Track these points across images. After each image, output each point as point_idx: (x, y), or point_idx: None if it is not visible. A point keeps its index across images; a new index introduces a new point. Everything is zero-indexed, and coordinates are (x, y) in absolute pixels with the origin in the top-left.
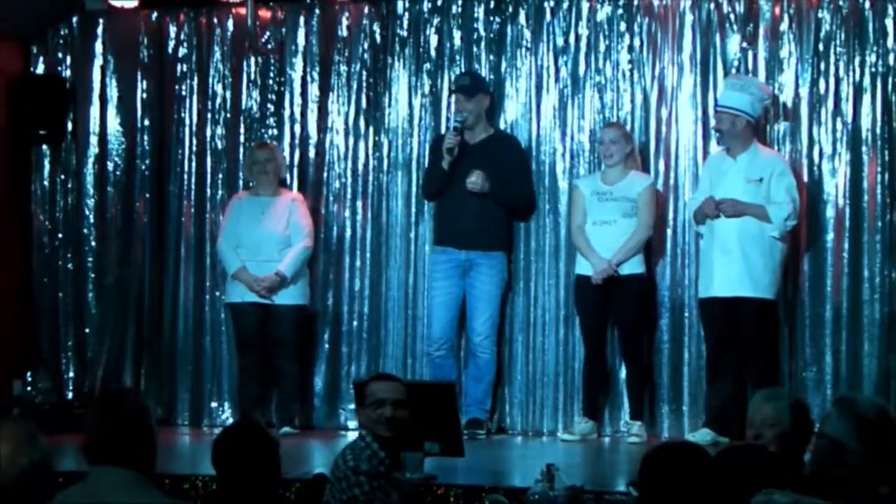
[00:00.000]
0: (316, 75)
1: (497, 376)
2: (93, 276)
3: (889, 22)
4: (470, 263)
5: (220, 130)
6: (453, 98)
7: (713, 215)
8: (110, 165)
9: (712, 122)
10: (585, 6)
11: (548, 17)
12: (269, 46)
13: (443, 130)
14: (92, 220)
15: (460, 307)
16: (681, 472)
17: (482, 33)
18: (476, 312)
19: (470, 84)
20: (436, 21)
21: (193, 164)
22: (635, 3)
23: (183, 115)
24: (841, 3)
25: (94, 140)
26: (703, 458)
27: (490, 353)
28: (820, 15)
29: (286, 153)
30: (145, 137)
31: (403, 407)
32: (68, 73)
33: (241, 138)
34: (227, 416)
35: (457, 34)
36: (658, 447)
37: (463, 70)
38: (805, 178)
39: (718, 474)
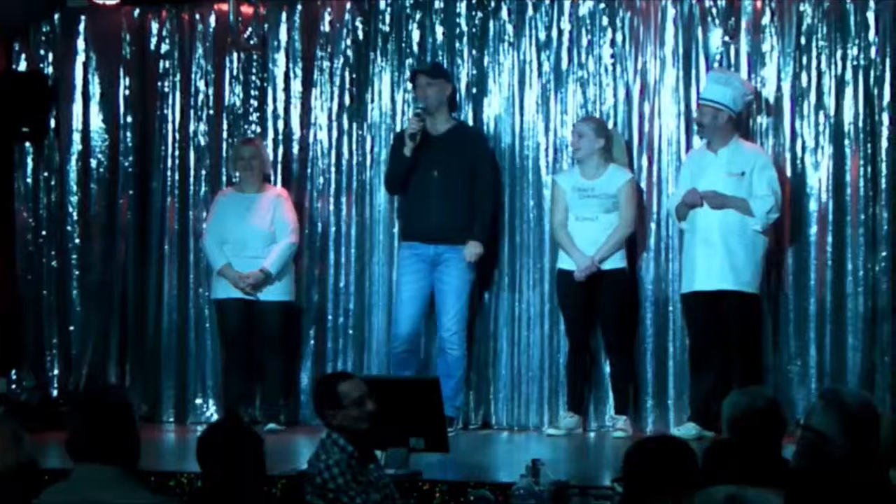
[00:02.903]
0: (299, 71)
1: (480, 372)
2: (77, 273)
3: (870, 15)
4: (438, 258)
5: (203, 127)
6: (415, 83)
7: (698, 204)
8: (93, 162)
9: (695, 114)
10: (568, 1)
11: (530, 11)
12: (252, 42)
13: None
14: (75, 218)
15: (428, 303)
16: (664, 465)
17: (464, 28)
18: (444, 307)
19: (433, 67)
20: (418, 16)
21: (176, 160)
22: None
23: (166, 111)
24: None
25: (76, 137)
26: (686, 452)
27: (459, 350)
28: (801, 9)
29: (269, 149)
30: (128, 134)
31: (372, 398)
32: (50, 69)
33: (224, 134)
34: (211, 412)
35: (439, 29)
36: (641, 442)
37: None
38: (788, 172)
39: (703, 468)
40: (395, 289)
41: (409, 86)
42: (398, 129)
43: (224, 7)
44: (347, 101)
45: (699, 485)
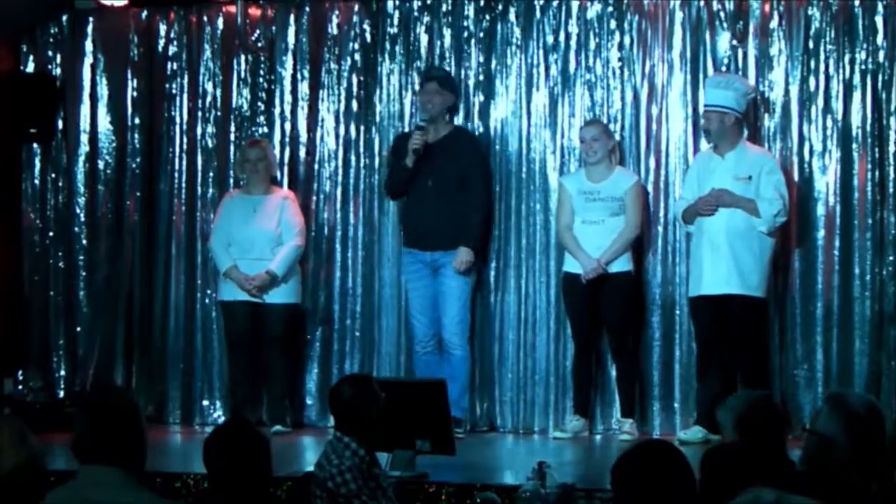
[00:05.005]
0: (306, 73)
1: (486, 374)
2: (83, 274)
3: (878, 19)
4: (437, 263)
5: (210, 129)
6: (423, 87)
7: (708, 213)
8: (101, 164)
9: (702, 122)
10: (575, 4)
11: (538, 14)
12: (259, 44)
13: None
14: (83, 219)
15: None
16: (653, 473)
17: (472, 31)
18: (445, 310)
19: (445, 76)
20: (426, 19)
21: (184, 162)
22: (625, 0)
23: (173, 113)
24: (830, 0)
25: (84, 138)
26: (676, 458)
27: (462, 350)
28: (810, 12)
29: (276, 151)
30: (136, 136)
31: None
32: (58, 71)
33: (232, 136)
34: (218, 414)
35: (447, 32)
36: (628, 451)
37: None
38: (795, 176)
39: (707, 473)
40: (405, 293)
41: (417, 88)
42: (407, 131)
43: (232, 9)
44: (355, 104)
45: (695, 489)
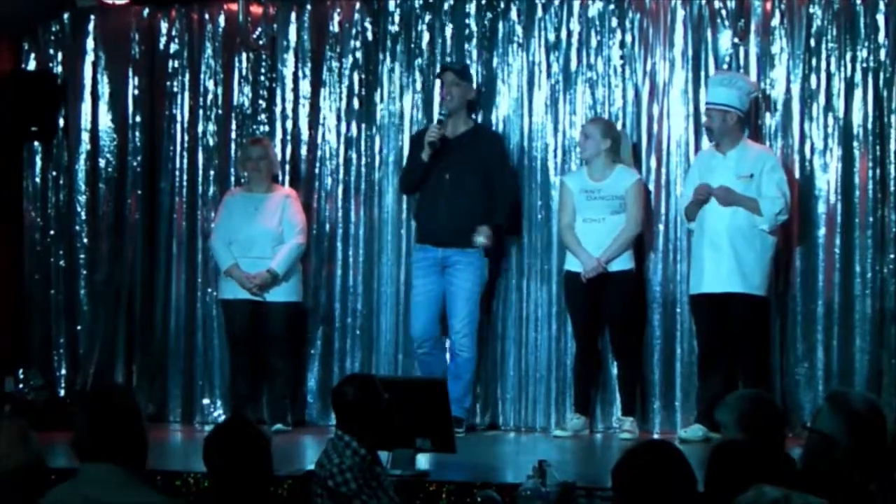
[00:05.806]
0: (307, 71)
1: (487, 373)
2: (84, 272)
3: (880, 17)
4: (447, 261)
5: (211, 127)
6: (441, 80)
7: (703, 199)
8: (102, 162)
9: (703, 120)
10: (577, 2)
11: (539, 12)
12: (261, 42)
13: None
14: (84, 217)
15: (442, 304)
16: (655, 474)
17: (474, 29)
18: (454, 310)
19: (462, 67)
20: (427, 17)
21: (185, 160)
22: None
23: (174, 111)
24: None
25: (85, 137)
26: (676, 458)
27: (469, 352)
28: (811, 10)
29: (277, 149)
30: (137, 134)
31: None
32: (60, 69)
33: (233, 134)
34: (218, 413)
35: (448, 30)
36: (629, 451)
37: None
38: (797, 174)
39: (715, 469)
40: (410, 291)
41: (437, 82)
42: (406, 129)
43: (233, 7)
44: (356, 102)
45: (695, 489)
